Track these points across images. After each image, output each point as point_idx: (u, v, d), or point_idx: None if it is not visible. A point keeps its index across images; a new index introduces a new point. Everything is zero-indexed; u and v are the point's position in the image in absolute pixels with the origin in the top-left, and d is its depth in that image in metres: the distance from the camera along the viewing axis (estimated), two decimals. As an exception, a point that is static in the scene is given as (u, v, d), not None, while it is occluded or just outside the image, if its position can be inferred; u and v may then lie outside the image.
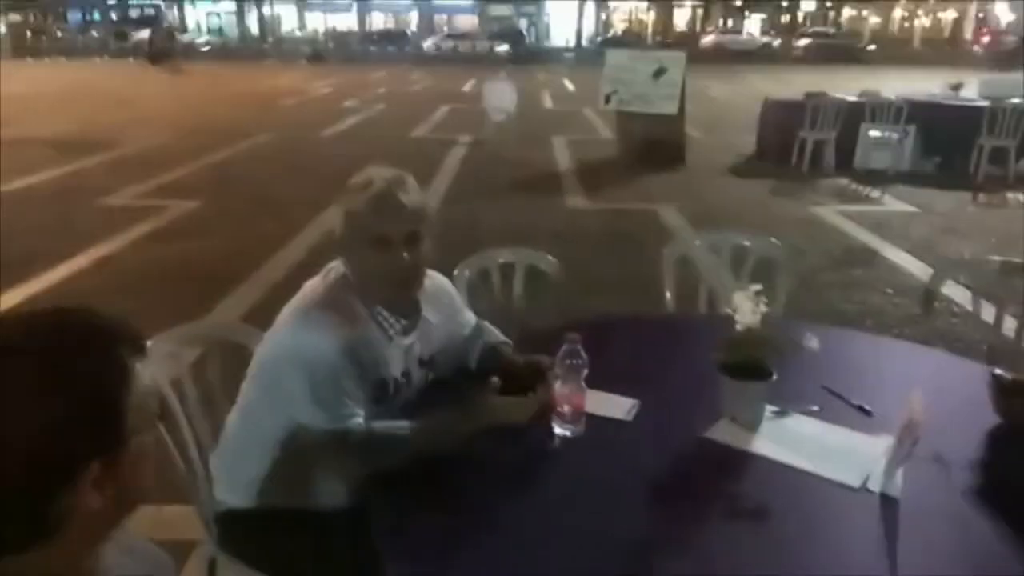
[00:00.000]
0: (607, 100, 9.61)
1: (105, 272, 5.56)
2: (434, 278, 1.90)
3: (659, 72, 9.12)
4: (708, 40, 43.78)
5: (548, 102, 18.74)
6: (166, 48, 31.18)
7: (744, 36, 43.07)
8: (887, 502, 1.42)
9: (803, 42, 40.92)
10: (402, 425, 1.58)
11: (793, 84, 15.99)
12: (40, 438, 0.78)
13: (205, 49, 40.73)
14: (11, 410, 0.77)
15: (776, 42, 43.16)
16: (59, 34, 44.06)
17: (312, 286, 1.74)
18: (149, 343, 0.93)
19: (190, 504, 1.86)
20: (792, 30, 46.34)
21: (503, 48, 37.28)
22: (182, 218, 7.18)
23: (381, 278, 1.67)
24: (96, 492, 0.82)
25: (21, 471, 0.78)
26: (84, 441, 0.81)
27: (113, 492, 0.84)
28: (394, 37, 45.41)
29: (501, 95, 12.41)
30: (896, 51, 37.94)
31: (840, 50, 36.65)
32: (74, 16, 48.88)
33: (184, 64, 29.63)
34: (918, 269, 5.65)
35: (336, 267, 1.75)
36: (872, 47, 40.71)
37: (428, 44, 40.24)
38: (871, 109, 9.32)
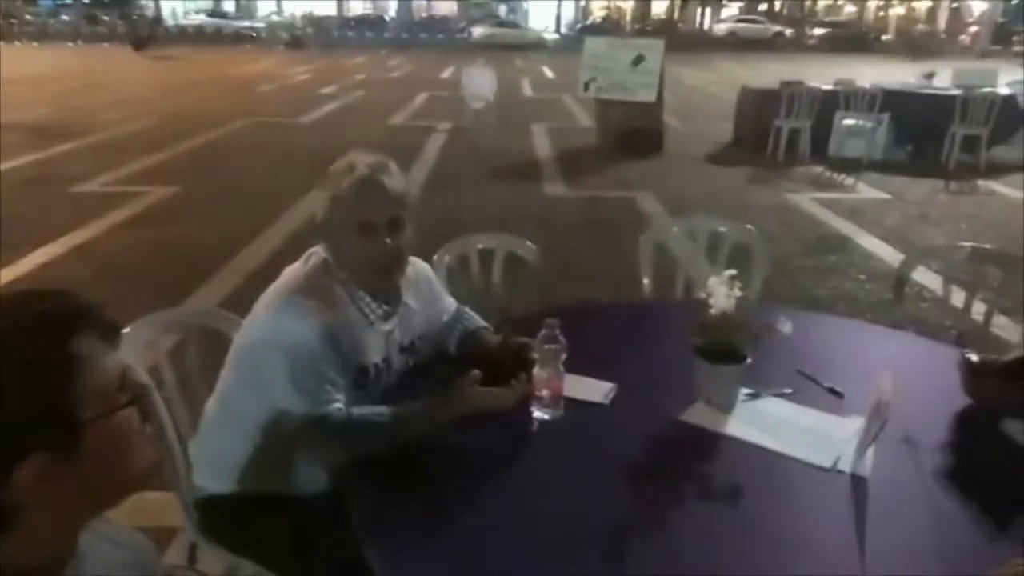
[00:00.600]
0: (586, 87, 9.62)
1: (82, 259, 5.49)
2: (415, 264, 1.91)
3: (638, 60, 9.14)
4: (722, 27, 43.34)
5: (527, 89, 18.70)
6: (150, 33, 30.72)
7: (760, 25, 42.28)
8: (857, 482, 1.45)
9: (817, 31, 40.67)
10: (382, 411, 1.59)
11: (772, 73, 16.07)
12: None
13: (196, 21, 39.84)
14: None
15: (788, 31, 42.73)
16: (28, 18, 43.02)
17: (292, 271, 1.74)
18: (123, 328, 0.91)
19: (170, 490, 1.86)
20: (803, 20, 46.02)
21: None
22: (159, 204, 7.09)
23: (364, 263, 1.67)
24: (48, 484, 0.80)
25: None
26: (24, 428, 0.78)
27: (75, 482, 0.82)
28: (372, 23, 45.11)
29: (480, 82, 12.35)
30: (913, 40, 37.49)
31: (854, 39, 36.57)
32: (45, 0, 47.85)
33: (167, 50, 29.20)
34: (890, 255, 5.74)
35: (316, 252, 1.75)
36: (887, 36, 40.28)
37: (478, 32, 38.53)
38: (845, 97, 9.42)
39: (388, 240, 1.66)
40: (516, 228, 3.47)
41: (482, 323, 2.02)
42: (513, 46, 31.26)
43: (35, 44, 35.30)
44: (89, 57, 27.49)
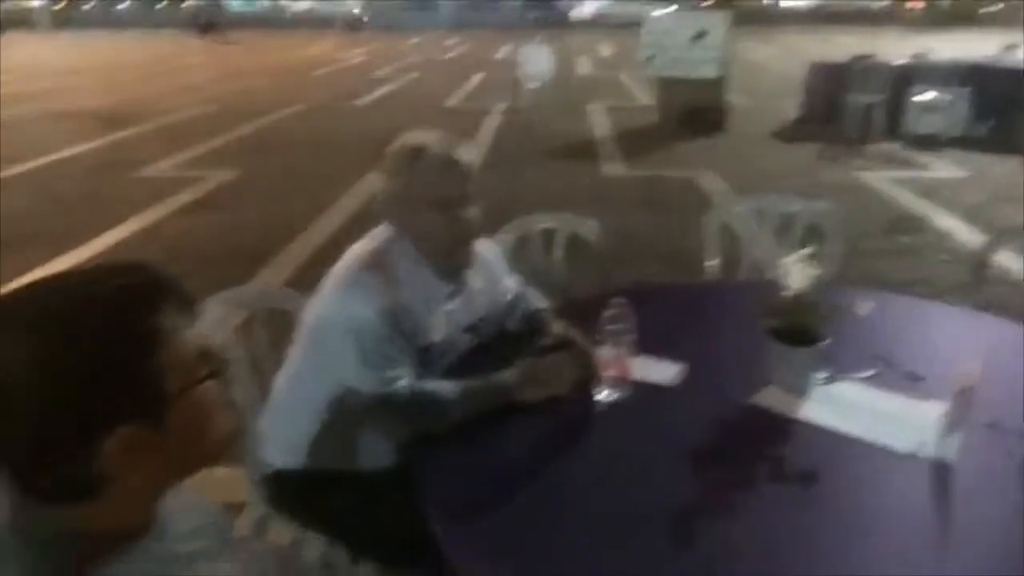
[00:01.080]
0: (646, 65, 9.43)
1: (148, 242, 5.66)
2: (481, 244, 1.90)
3: (700, 35, 8.91)
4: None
5: (585, 68, 18.50)
6: (210, 20, 31.34)
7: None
8: (940, 469, 1.39)
9: (918, 4, 38.67)
10: (447, 386, 1.59)
11: (841, 47, 15.52)
12: (74, 396, 0.78)
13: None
14: (50, 370, 0.77)
15: (885, 2, 40.38)
16: (92, 4, 44.36)
17: (357, 250, 1.75)
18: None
19: (239, 465, 1.90)
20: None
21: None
22: (220, 188, 7.26)
23: (443, 237, 1.69)
24: (133, 454, 0.81)
25: (59, 426, 0.78)
26: (115, 399, 0.80)
27: (158, 453, 0.83)
28: (427, 4, 45.15)
29: (535, 62, 12.24)
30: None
31: (956, 12, 34.70)
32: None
33: (231, 35, 29.76)
34: (969, 236, 5.49)
35: (380, 231, 1.76)
36: (996, 7, 37.03)
37: (590, 8, 36.71)
38: (922, 72, 9.01)
39: (465, 213, 1.67)
40: (573, 208, 3.43)
41: (543, 304, 2.00)
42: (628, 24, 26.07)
43: (101, 31, 36.46)
44: (151, 44, 28.27)
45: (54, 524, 0.82)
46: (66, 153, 8.81)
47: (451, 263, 1.74)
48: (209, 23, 30.92)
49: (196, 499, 1.03)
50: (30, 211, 6.41)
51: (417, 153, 1.66)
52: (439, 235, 1.69)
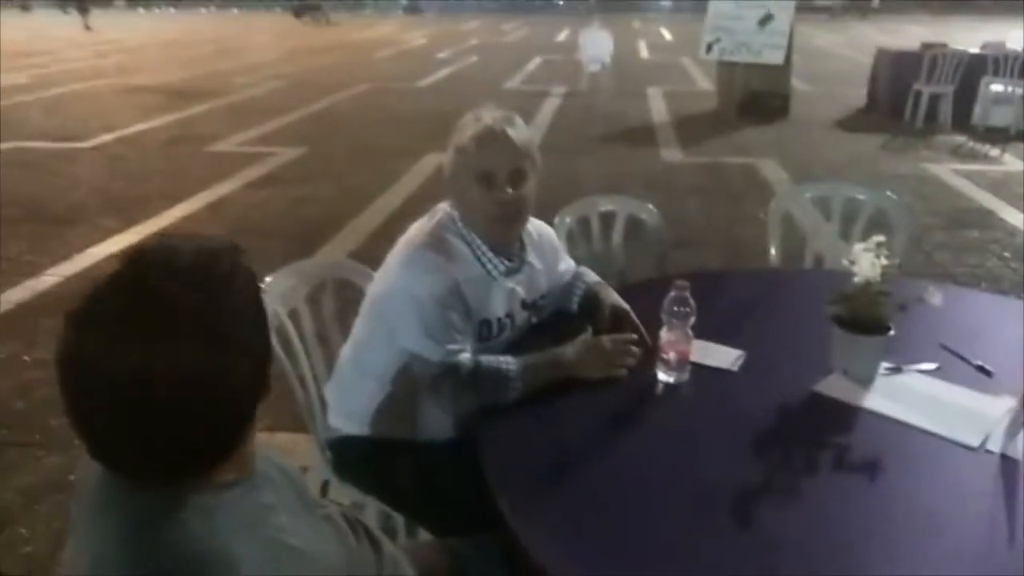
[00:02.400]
0: (708, 49, 9.26)
1: (214, 216, 5.83)
2: (538, 225, 1.93)
3: (766, 19, 8.70)
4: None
5: (644, 52, 18.26)
6: (312, 2, 31.26)
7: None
8: (1007, 463, 1.36)
9: None
10: (509, 360, 1.62)
11: (909, 35, 15.00)
12: (237, 391, 0.86)
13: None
14: (205, 372, 0.82)
15: None
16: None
17: (419, 226, 1.79)
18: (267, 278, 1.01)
19: (302, 431, 1.97)
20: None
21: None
22: (288, 164, 7.42)
23: (484, 213, 1.70)
24: (259, 407, 0.91)
25: (223, 420, 0.86)
26: (263, 380, 0.90)
27: (260, 410, 0.91)
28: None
29: (596, 45, 12.13)
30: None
31: None
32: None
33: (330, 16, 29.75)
34: (1039, 232, 5.31)
35: (442, 208, 1.79)
36: None
37: None
38: (993, 62, 8.66)
39: (510, 190, 1.67)
40: (630, 193, 3.42)
41: (599, 280, 2.02)
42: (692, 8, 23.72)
43: (171, 10, 37.21)
44: (238, 23, 28.78)
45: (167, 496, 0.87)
46: (140, 127, 9.09)
47: (495, 240, 1.74)
48: (305, 5, 30.91)
49: (275, 455, 1.08)
50: (102, 183, 6.65)
51: (468, 128, 1.68)
52: (480, 211, 1.69)
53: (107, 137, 8.50)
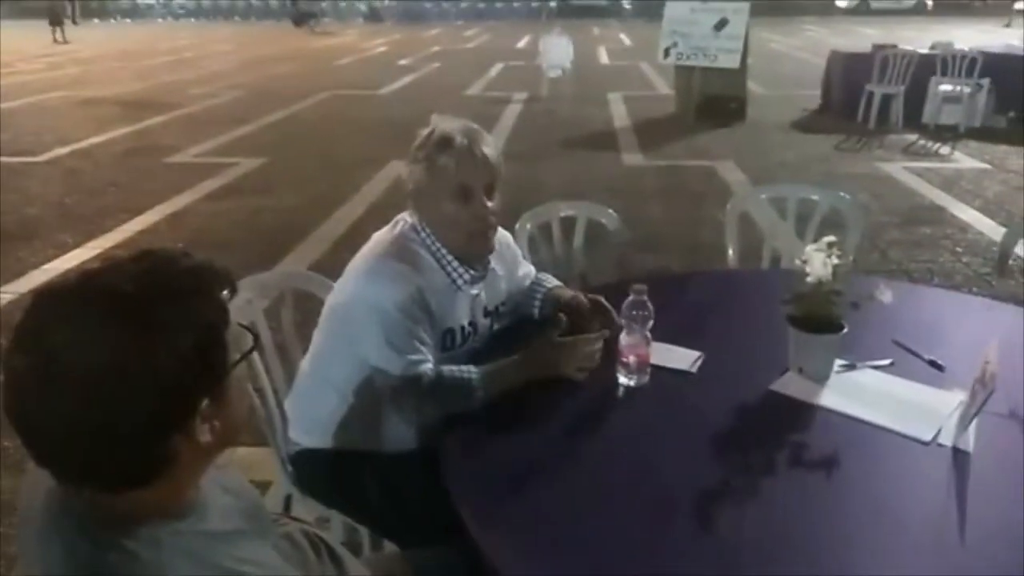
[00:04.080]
0: (666, 54, 9.36)
1: (173, 228, 5.73)
2: (499, 232, 1.92)
3: (721, 24, 8.83)
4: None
5: (604, 57, 18.41)
6: (305, 11, 31.02)
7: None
8: (959, 456, 1.40)
9: None
10: (470, 369, 1.62)
11: (862, 37, 15.34)
12: (161, 380, 0.81)
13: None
14: (130, 356, 0.80)
15: None
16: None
17: (381, 236, 1.77)
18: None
19: (266, 445, 1.94)
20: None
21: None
22: (248, 175, 7.32)
23: (462, 228, 1.70)
24: (206, 426, 0.87)
25: (145, 413, 0.82)
26: (198, 379, 0.85)
27: (219, 426, 0.89)
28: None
29: (556, 51, 12.21)
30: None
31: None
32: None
33: (331, 26, 29.41)
34: (989, 228, 5.45)
35: (404, 218, 1.78)
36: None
37: None
38: (942, 62, 8.89)
39: (487, 205, 1.68)
40: (593, 197, 3.44)
41: (560, 285, 2.03)
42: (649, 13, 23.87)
43: (127, 20, 36.54)
44: (195, 32, 28.35)
45: (99, 510, 0.85)
46: (97, 139, 8.91)
47: (470, 252, 1.75)
48: (304, 14, 30.68)
49: (230, 478, 1.06)
50: (58, 198, 6.50)
51: (441, 144, 1.66)
52: (459, 225, 1.69)
53: (62, 151, 8.32)
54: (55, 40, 22.86)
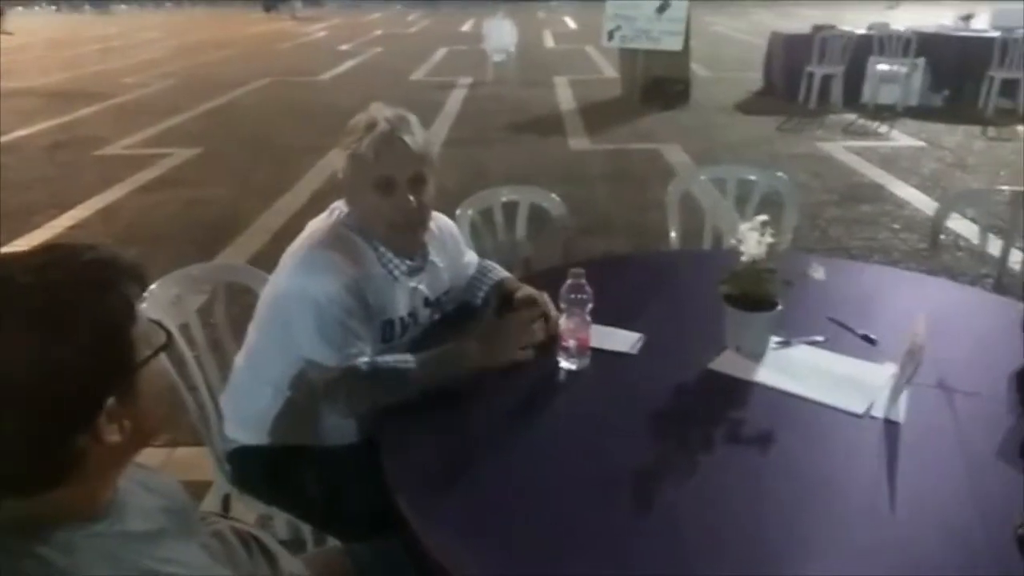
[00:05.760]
0: (610, 37, 9.38)
1: (105, 222, 5.55)
2: (439, 220, 1.89)
3: (663, 7, 8.88)
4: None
5: (549, 41, 18.39)
6: None
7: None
8: (890, 427, 1.43)
9: None
10: (407, 358, 1.59)
11: (803, 19, 15.62)
12: (59, 377, 0.78)
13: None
14: (25, 350, 0.77)
15: None
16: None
17: (316, 225, 1.72)
18: (149, 279, 0.93)
19: (201, 444, 1.89)
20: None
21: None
22: (183, 166, 7.12)
23: (384, 221, 1.65)
24: (114, 426, 0.83)
25: (44, 411, 0.78)
26: (100, 376, 0.82)
27: (130, 425, 0.85)
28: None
29: (500, 35, 12.14)
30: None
31: None
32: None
33: (308, 11, 28.45)
34: (925, 204, 5.61)
35: (340, 207, 1.74)
36: None
37: None
38: (879, 42, 9.11)
39: (411, 198, 1.63)
40: (540, 182, 3.43)
41: (506, 274, 2.00)
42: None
43: (52, 7, 35.08)
44: (122, 21, 27.37)
45: (10, 516, 0.81)
46: (22, 132, 8.56)
47: (397, 246, 1.70)
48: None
49: (151, 476, 1.03)
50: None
51: (364, 132, 1.61)
52: (381, 217, 1.64)
53: (-15, 145, 7.98)
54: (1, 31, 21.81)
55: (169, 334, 0.93)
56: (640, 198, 5.78)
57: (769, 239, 1.57)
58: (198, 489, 2.20)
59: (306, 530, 1.79)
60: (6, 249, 4.78)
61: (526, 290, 1.84)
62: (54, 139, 8.29)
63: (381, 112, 1.64)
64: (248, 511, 1.81)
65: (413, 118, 1.68)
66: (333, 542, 1.70)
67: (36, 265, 0.82)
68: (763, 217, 1.61)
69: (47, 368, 0.77)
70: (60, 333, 0.78)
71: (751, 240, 1.57)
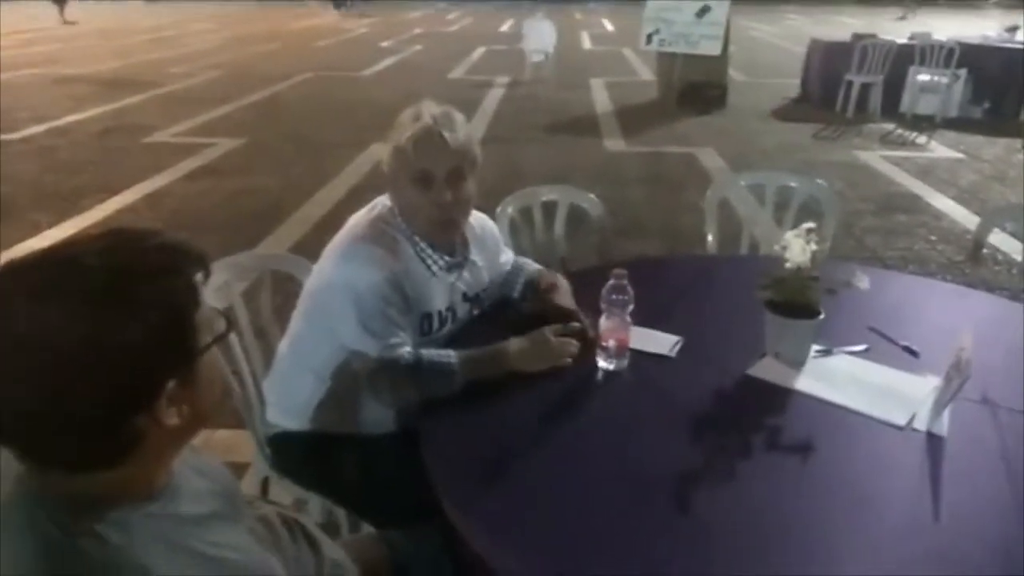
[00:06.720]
0: (648, 40, 9.33)
1: (154, 207, 5.66)
2: (482, 220, 1.91)
3: (703, 11, 8.82)
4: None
5: (587, 42, 18.34)
6: None
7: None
8: (933, 441, 1.42)
9: None
10: (449, 354, 1.61)
11: (842, 26, 15.41)
12: (124, 358, 0.79)
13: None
14: (92, 330, 0.78)
15: None
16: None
17: (358, 219, 1.75)
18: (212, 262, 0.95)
19: (243, 428, 1.93)
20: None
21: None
22: (228, 155, 7.23)
23: (422, 215, 1.68)
24: (173, 409, 0.85)
25: (107, 390, 0.80)
26: (163, 359, 0.83)
27: (188, 410, 0.87)
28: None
29: (539, 35, 12.14)
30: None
31: None
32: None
33: (370, 7, 28.81)
34: (963, 217, 5.53)
35: (382, 202, 1.77)
36: None
37: None
38: (920, 52, 8.97)
39: (448, 193, 1.65)
40: (574, 182, 3.45)
41: (539, 267, 2.02)
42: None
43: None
44: (173, 12, 27.82)
45: (67, 495, 0.83)
46: (74, 117, 8.75)
47: (434, 240, 1.73)
48: None
49: (204, 460, 1.05)
50: (32, 177, 6.38)
51: (406, 127, 1.64)
52: (420, 211, 1.67)
53: (37, 129, 8.16)
54: (64, 21, 22.24)
55: (230, 321, 0.95)
56: (674, 201, 5.76)
57: (814, 246, 1.57)
58: (236, 471, 2.23)
59: (341, 515, 1.82)
60: (56, 231, 4.93)
61: (563, 292, 1.85)
62: (104, 125, 8.47)
63: (428, 108, 1.67)
64: (284, 494, 1.85)
65: (459, 116, 1.70)
66: (367, 528, 1.73)
67: (102, 248, 0.83)
68: (809, 224, 1.61)
69: (113, 349, 0.79)
70: (127, 315, 0.80)
71: (796, 247, 1.56)
